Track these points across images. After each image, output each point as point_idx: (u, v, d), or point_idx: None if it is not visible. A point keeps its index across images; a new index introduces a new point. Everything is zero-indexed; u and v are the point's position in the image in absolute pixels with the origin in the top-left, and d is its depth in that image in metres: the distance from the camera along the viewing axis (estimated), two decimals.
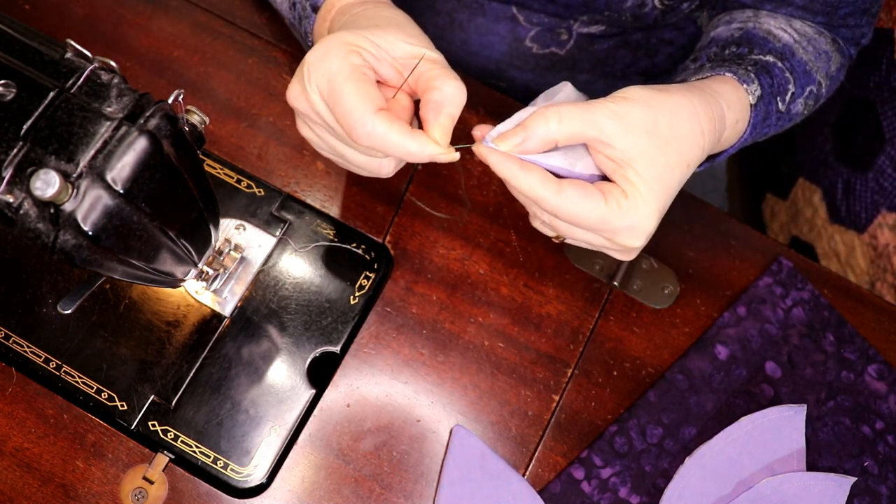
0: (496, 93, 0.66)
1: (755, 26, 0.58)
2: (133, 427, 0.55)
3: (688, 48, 0.71)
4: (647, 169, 0.43)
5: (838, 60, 0.61)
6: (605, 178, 0.46)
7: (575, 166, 0.45)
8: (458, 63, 0.72)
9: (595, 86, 0.72)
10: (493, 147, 0.44)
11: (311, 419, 0.56)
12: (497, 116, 0.65)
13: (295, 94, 0.45)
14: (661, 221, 0.46)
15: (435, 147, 0.43)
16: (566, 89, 0.49)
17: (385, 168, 0.48)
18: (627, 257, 0.48)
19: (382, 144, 0.43)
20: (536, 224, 0.49)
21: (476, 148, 0.44)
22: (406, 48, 0.45)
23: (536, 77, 0.71)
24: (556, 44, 0.67)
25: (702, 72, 0.53)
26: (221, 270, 0.57)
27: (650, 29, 0.67)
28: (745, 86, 0.52)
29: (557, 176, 0.45)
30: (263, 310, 0.58)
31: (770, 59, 0.55)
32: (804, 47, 0.58)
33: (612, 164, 0.44)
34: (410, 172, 0.63)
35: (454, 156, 0.44)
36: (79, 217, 0.37)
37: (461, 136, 0.64)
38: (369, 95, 0.42)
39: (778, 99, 0.55)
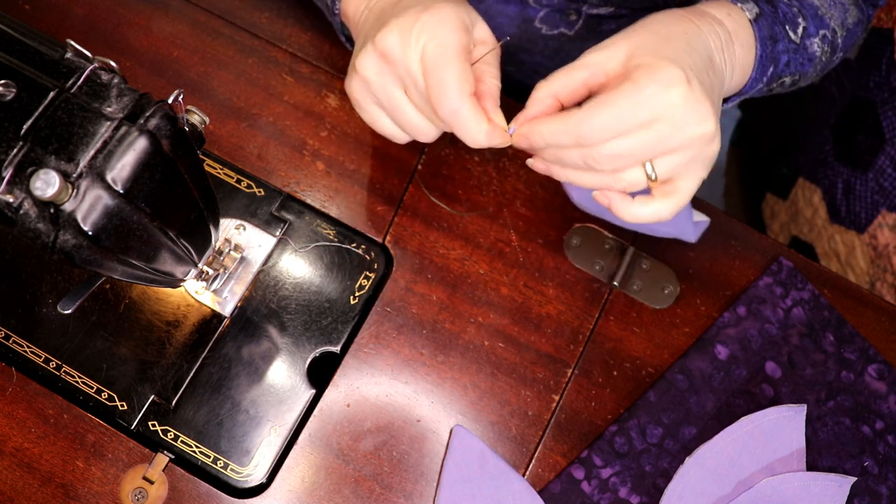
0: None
1: None
2: (133, 427, 0.55)
3: None
4: (642, 47, 0.45)
5: (856, 14, 0.61)
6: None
7: None
8: None
9: None
10: (514, 128, 0.47)
11: (311, 419, 0.56)
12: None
13: (392, 43, 0.46)
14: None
15: (502, 136, 0.47)
16: None
17: (431, 134, 0.51)
18: (710, 127, 0.44)
19: (458, 124, 0.46)
20: (620, 183, 0.47)
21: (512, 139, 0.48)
22: (481, 33, 0.49)
23: (545, 60, 0.72)
24: (565, 24, 0.67)
25: None
26: (221, 270, 0.57)
27: (657, 9, 0.67)
28: (737, 4, 0.52)
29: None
30: (263, 310, 0.58)
31: None
32: None
33: (614, 79, 0.45)
34: (411, 173, 0.63)
35: (510, 140, 0.48)
36: (79, 217, 0.37)
37: None
38: (467, 77, 0.45)
39: (787, 28, 0.54)
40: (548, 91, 0.46)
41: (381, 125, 0.52)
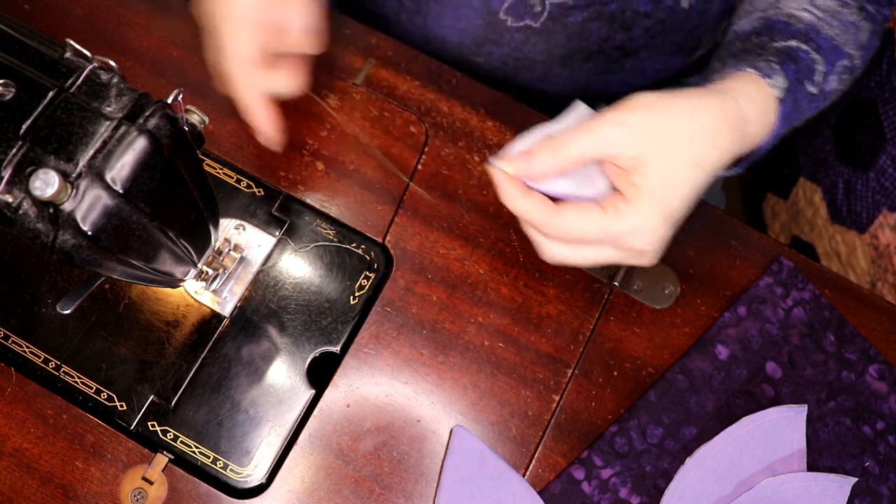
0: (496, 92, 0.66)
1: (776, 13, 0.57)
2: (132, 427, 0.55)
3: (666, 22, 0.69)
4: (650, 171, 0.45)
5: (868, 28, 0.60)
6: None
7: (582, 191, 0.47)
8: (434, 39, 0.71)
9: (572, 60, 0.71)
10: (499, 168, 0.46)
11: (310, 419, 0.56)
12: (497, 117, 0.65)
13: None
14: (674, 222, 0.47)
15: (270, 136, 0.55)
16: (579, 109, 0.50)
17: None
18: (646, 262, 0.48)
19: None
20: (551, 257, 0.50)
21: (489, 168, 0.47)
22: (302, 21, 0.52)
23: (513, 52, 0.71)
24: (530, 16, 0.66)
25: (724, 70, 0.53)
26: (221, 270, 0.57)
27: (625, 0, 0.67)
28: (767, 79, 0.52)
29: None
30: (263, 310, 0.58)
31: (793, 43, 0.55)
32: (829, 23, 0.57)
33: (617, 171, 0.46)
34: (411, 173, 0.63)
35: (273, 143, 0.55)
36: (78, 217, 0.37)
37: (472, 141, 0.64)
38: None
39: (806, 83, 0.54)
40: (557, 166, 0.46)
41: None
